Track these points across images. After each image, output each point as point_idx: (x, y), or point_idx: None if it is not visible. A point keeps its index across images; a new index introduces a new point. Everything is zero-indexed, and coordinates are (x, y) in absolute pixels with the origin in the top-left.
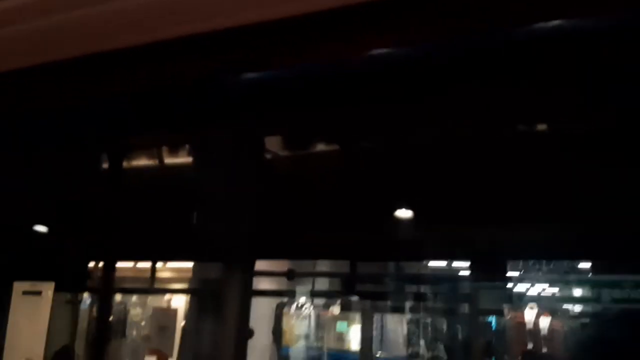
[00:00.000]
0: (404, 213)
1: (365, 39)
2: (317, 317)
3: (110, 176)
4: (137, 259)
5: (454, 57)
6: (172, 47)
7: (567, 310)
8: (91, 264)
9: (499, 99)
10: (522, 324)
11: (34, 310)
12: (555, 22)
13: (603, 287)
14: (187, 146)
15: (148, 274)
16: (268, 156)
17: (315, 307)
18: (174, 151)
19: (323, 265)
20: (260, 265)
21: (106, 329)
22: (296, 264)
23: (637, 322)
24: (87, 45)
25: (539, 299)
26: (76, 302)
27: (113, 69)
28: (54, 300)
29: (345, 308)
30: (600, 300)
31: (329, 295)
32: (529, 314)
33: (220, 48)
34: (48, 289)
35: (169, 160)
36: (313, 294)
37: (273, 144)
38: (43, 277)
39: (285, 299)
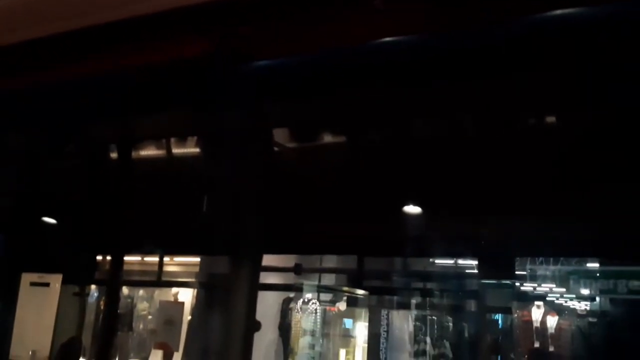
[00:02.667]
0: (412, 209)
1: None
2: (324, 312)
3: (118, 168)
4: (144, 252)
5: (454, 50)
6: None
7: (574, 309)
8: (99, 257)
9: (511, 92)
10: (529, 322)
11: (42, 301)
12: (554, 15)
13: (611, 286)
14: (195, 138)
15: (155, 268)
16: (276, 149)
17: (321, 302)
18: (181, 143)
19: (330, 261)
20: (267, 259)
21: (113, 322)
22: (303, 259)
23: None
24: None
25: (546, 297)
26: (84, 295)
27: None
28: (61, 292)
29: (352, 304)
30: (608, 299)
31: (336, 291)
32: (536, 312)
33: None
34: (56, 281)
35: (176, 152)
36: (319, 289)
37: (281, 136)
38: (51, 269)
39: (291, 294)
